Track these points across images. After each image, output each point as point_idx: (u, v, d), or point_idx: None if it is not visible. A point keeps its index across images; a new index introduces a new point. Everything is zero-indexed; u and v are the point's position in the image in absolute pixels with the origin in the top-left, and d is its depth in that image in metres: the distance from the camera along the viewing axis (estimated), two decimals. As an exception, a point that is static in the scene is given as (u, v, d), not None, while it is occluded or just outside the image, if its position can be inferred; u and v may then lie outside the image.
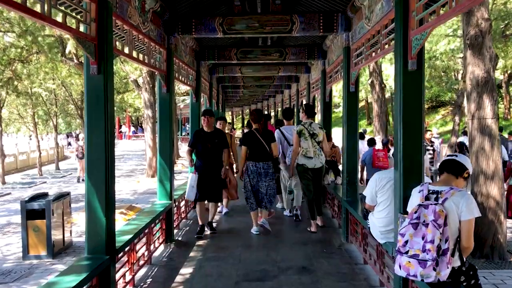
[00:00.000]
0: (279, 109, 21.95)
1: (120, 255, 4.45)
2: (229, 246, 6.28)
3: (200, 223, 6.93)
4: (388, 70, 19.02)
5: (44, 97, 22.30)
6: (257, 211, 7.00)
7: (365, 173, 9.20)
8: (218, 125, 7.72)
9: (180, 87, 30.78)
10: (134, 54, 4.99)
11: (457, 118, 11.76)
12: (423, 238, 3.04)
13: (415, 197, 3.27)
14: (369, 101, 40.13)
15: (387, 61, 18.43)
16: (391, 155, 10.61)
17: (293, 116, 8.41)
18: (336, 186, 8.05)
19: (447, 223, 3.01)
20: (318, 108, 16.85)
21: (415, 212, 3.12)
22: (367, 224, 4.63)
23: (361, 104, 43.21)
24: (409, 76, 3.72)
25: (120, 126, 52.07)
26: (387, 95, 22.86)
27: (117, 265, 4.47)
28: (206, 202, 7.02)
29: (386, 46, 4.61)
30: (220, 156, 6.81)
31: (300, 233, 7.03)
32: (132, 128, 52.03)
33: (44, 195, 8.56)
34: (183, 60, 7.58)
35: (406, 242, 3.10)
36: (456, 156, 3.30)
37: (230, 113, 43.78)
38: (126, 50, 4.73)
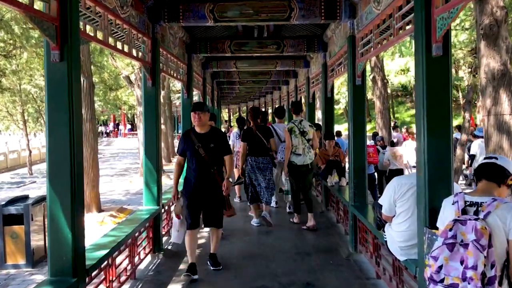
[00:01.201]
0: (277, 106, 21.31)
1: (95, 272, 3.83)
2: (224, 256, 5.66)
3: (189, 260, 4.99)
4: (390, 65, 18.41)
5: (34, 94, 21.61)
6: (258, 204, 7.26)
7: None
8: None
9: (175, 84, 30.13)
10: (111, 41, 4.34)
11: (467, 115, 11.22)
12: (462, 262, 2.42)
13: (449, 210, 2.64)
14: (368, 97, 39.56)
15: (388, 56, 17.83)
16: (381, 150, 10.11)
17: (285, 114, 8.71)
18: (340, 188, 7.42)
19: (491, 244, 2.40)
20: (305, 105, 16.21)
21: (450, 230, 2.50)
22: (382, 236, 4.01)
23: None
24: (433, 63, 3.10)
25: (117, 124, 51.43)
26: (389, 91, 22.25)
27: (92, 285, 3.85)
28: (202, 227, 5.61)
29: (401, 31, 3.98)
30: (218, 164, 4.98)
31: (302, 241, 6.41)
32: (129, 126, 51.33)
33: (24, 198, 7.91)
34: (172, 52, 6.94)
35: (441, 267, 2.47)
36: (496, 158, 2.68)
37: (226, 110, 43.04)
38: (100, 37, 4.09)
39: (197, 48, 8.32)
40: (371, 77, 14.59)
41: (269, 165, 7.03)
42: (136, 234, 5.06)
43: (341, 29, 6.63)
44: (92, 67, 16.42)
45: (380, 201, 3.73)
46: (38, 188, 17.13)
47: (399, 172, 9.35)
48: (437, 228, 2.99)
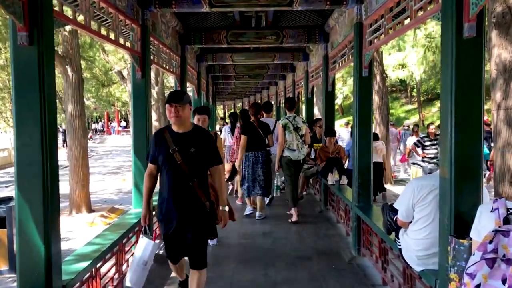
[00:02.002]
0: (273, 102, 20.89)
1: (76, 286, 3.40)
2: (218, 261, 5.24)
3: (179, 278, 4.18)
4: (388, 60, 17.98)
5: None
6: (253, 197, 7.43)
7: (349, 163, 8.36)
8: (197, 121, 4.86)
9: (170, 80, 29.62)
10: (94, 26, 3.90)
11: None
12: (504, 281, 2.03)
13: (487, 219, 2.24)
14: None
15: (386, 50, 17.40)
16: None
17: (272, 109, 9.10)
18: (341, 187, 7.01)
19: (541, 260, 2.00)
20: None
21: (490, 242, 2.10)
22: (391, 240, 3.61)
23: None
24: (465, 45, 2.68)
25: (111, 121, 50.90)
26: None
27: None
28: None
29: (420, 13, 3.55)
30: (201, 177, 3.54)
31: (302, 244, 6.01)
32: (123, 123, 50.79)
33: (8, 199, 7.44)
34: (164, 42, 6.49)
35: (478, 286, 2.08)
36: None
37: (222, 106, 42.51)
38: (82, 21, 3.65)
39: (191, 39, 7.86)
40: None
41: (266, 159, 7.24)
42: (124, 241, 4.60)
43: (346, 16, 6.20)
44: (83, 61, 15.93)
45: (396, 205, 3.32)
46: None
47: (379, 165, 9.01)
48: (464, 237, 2.60)
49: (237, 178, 8.12)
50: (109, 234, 4.32)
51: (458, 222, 2.72)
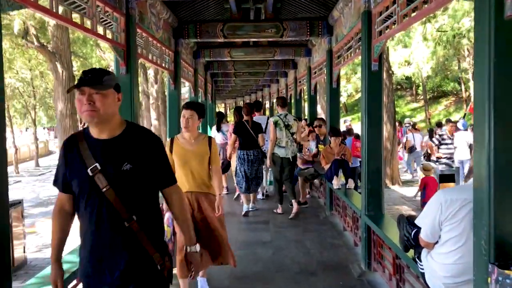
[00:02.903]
0: (274, 100, 20.35)
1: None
2: (212, 277, 4.71)
3: None
4: (393, 57, 17.38)
5: (20, 89, 20.63)
6: (249, 194, 7.54)
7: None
8: (183, 119, 3.91)
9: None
10: (62, 12, 3.37)
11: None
12: None
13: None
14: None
15: (391, 46, 16.77)
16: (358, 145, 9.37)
17: (262, 107, 9.56)
18: (347, 191, 6.47)
19: None
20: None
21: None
22: (412, 260, 3.07)
23: (359, 95, 41.59)
24: (506, 26, 2.15)
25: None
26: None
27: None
28: None
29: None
30: (147, 212, 2.22)
31: (305, 256, 5.47)
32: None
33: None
34: (154, 35, 5.96)
35: None
36: None
37: (223, 105, 41.99)
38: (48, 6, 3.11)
39: (184, 32, 7.32)
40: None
41: (258, 157, 7.35)
42: None
43: (352, 6, 5.66)
44: (76, 59, 15.43)
45: (418, 221, 2.78)
46: (23, 188, 16.18)
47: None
48: (509, 267, 2.06)
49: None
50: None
51: (499, 246, 2.18)
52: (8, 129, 20.83)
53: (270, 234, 6.38)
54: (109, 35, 4.42)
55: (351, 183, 6.60)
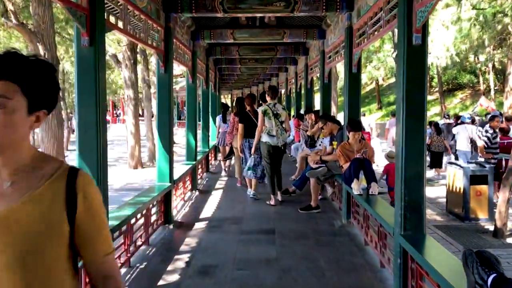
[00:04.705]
0: (283, 90, 19.18)
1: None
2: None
3: None
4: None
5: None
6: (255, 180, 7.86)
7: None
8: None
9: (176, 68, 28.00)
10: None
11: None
12: None
13: None
14: (380, 82, 37.15)
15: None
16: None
17: (256, 100, 9.78)
18: (371, 198, 5.31)
19: None
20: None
21: None
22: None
23: (371, 86, 40.08)
24: None
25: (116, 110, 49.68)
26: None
27: None
28: None
29: None
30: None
31: (320, 280, 4.34)
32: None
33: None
34: (134, 3, 4.80)
35: None
36: None
37: (230, 95, 40.72)
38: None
39: (177, 5, 6.14)
40: (394, 55, 12.33)
41: (258, 146, 7.57)
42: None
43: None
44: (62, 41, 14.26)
45: None
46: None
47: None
48: None
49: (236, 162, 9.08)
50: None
51: None
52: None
53: (275, 249, 5.25)
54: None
55: (374, 188, 5.44)
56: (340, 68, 24.33)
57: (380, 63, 22.05)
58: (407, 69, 3.63)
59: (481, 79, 26.93)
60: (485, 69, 26.85)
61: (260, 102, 10.94)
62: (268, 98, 7.53)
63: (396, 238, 3.81)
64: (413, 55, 3.61)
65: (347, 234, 5.86)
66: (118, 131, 38.62)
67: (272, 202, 7.37)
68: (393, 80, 34.62)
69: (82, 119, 3.66)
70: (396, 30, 4.96)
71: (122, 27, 4.48)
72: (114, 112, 49.83)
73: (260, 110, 7.40)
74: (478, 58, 24.46)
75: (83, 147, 3.66)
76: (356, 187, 5.48)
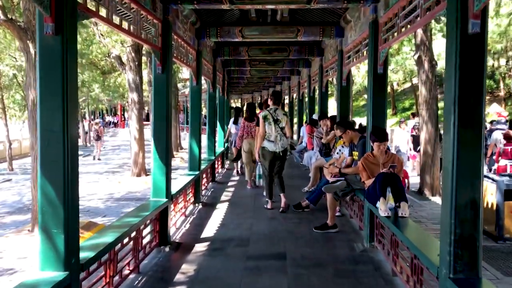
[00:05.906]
0: (295, 95, 18.37)
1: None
2: None
3: None
4: (438, 46, 15.09)
5: (18, 78, 19.02)
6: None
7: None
8: None
9: (184, 71, 27.25)
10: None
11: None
12: None
13: None
14: (394, 87, 36.03)
15: (437, 31, 14.60)
16: None
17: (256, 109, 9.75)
18: (400, 221, 4.47)
19: None
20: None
21: None
22: None
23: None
24: None
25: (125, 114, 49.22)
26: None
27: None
28: None
29: None
30: None
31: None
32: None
33: None
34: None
35: None
36: None
37: (239, 100, 39.90)
38: None
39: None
40: (415, 57, 11.49)
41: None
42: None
43: None
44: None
45: None
46: (9, 188, 14.53)
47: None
48: None
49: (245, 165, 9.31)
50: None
51: None
52: (1, 122, 19.26)
53: (287, 281, 4.43)
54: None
55: (405, 209, 4.61)
56: (354, 71, 23.46)
57: (399, 66, 21.10)
58: (461, 64, 2.81)
59: (501, 84, 25.81)
60: (505, 74, 25.76)
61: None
62: (270, 103, 7.42)
63: (442, 281, 2.98)
64: (469, 47, 2.79)
65: (371, 261, 5.02)
66: (126, 135, 38.15)
67: (269, 206, 7.36)
68: (408, 85, 33.62)
69: (44, 126, 2.90)
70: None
71: (104, 16, 3.71)
72: (123, 116, 49.34)
73: (260, 115, 7.37)
74: (499, 62, 23.40)
75: (45, 158, 2.90)
76: (383, 208, 4.64)
